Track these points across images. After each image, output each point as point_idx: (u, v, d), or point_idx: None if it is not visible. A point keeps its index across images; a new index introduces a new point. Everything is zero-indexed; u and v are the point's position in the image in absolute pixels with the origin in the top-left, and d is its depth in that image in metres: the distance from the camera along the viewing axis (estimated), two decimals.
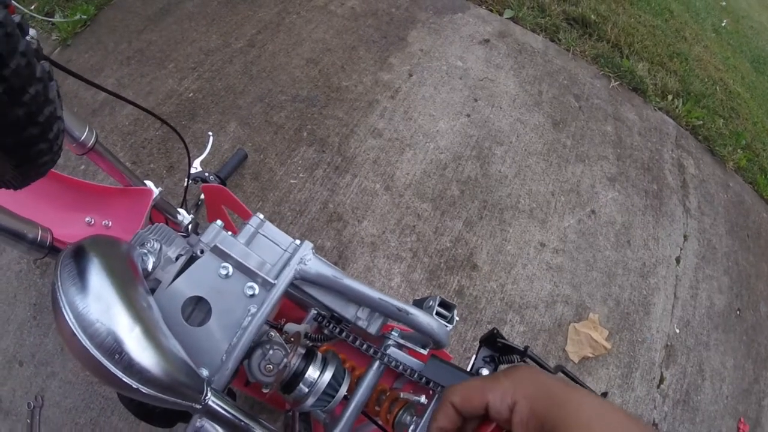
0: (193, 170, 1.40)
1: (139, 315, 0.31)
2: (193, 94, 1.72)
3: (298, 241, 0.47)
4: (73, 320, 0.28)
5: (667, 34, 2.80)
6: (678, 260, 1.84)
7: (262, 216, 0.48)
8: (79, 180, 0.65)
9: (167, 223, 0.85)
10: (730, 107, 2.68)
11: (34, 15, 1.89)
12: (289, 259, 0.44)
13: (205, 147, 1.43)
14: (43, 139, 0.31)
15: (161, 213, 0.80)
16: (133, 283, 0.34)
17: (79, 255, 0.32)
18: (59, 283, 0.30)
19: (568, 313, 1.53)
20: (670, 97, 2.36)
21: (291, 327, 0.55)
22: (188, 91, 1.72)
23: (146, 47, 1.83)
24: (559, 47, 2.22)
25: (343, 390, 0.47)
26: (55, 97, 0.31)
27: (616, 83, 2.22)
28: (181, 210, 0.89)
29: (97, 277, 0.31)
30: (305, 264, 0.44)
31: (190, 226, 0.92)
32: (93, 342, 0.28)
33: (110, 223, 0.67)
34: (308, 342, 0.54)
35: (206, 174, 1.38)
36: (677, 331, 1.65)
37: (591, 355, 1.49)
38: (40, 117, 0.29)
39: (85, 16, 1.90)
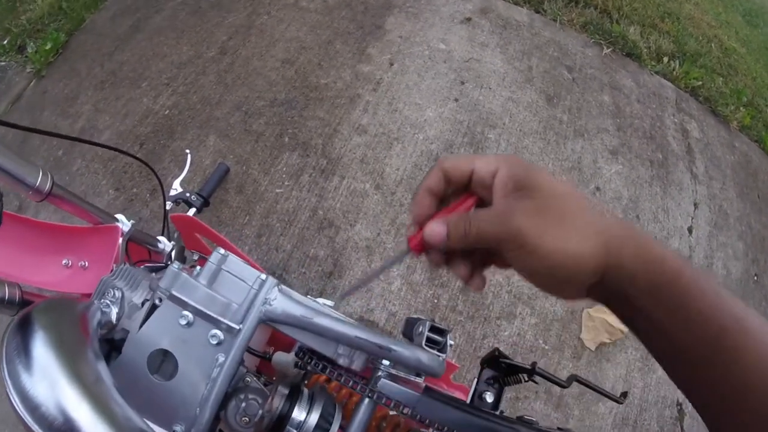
0: (173, 192, 1.35)
1: (88, 391, 0.29)
2: (169, 111, 1.66)
3: (263, 276, 0.44)
4: (20, 404, 0.27)
5: None
6: (690, 230, 1.77)
7: (223, 250, 0.44)
8: (50, 223, 0.65)
9: (150, 255, 0.81)
10: (727, 64, 2.60)
11: None
12: (255, 298, 0.42)
13: (184, 166, 1.37)
14: None
15: (140, 245, 0.76)
16: (82, 354, 0.32)
17: (24, 328, 0.31)
18: (4, 363, 0.28)
19: None
20: (665, 59, 2.28)
21: (279, 357, 0.53)
22: (164, 109, 1.66)
23: (119, 68, 1.79)
24: (545, 18, 2.13)
25: (335, 426, 0.44)
26: None
27: (609, 50, 2.13)
28: (161, 238, 0.85)
29: (42, 352, 0.29)
30: (270, 305, 0.42)
31: (173, 254, 0.88)
32: (42, 426, 0.27)
33: (86, 263, 0.66)
34: (298, 371, 0.50)
35: (187, 194, 1.32)
36: None
37: (608, 341, 1.43)
38: None
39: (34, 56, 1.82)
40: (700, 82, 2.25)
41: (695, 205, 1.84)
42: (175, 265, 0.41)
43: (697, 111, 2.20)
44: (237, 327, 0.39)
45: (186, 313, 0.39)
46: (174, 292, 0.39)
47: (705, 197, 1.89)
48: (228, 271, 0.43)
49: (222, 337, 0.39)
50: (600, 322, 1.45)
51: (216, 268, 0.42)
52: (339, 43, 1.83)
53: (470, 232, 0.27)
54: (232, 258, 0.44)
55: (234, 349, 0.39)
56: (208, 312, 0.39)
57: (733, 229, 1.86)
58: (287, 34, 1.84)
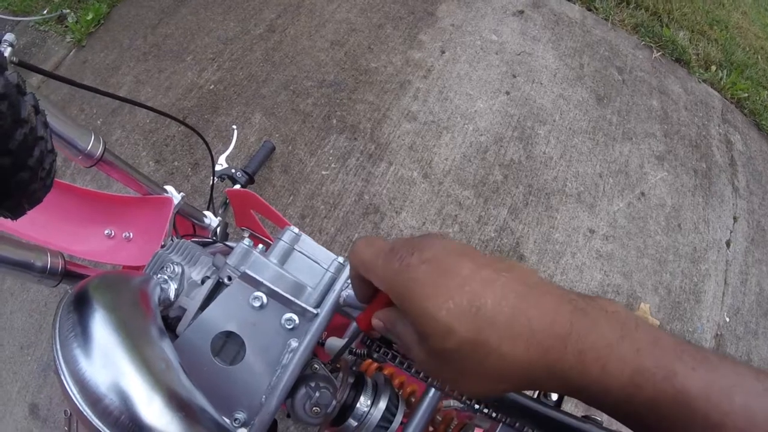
0: (218, 167, 1.34)
1: (158, 381, 0.25)
2: (214, 86, 1.64)
3: (341, 259, 0.41)
4: (78, 395, 0.23)
5: (705, 0, 2.63)
6: (728, 244, 1.74)
7: (296, 229, 0.42)
8: (96, 191, 0.60)
9: (194, 229, 0.79)
10: None
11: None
12: (332, 281, 0.39)
13: (230, 142, 1.36)
14: (34, 180, 0.28)
15: (187, 219, 0.74)
16: (146, 334, 0.28)
17: (81, 305, 0.27)
18: (58, 345, 0.25)
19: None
20: (713, 68, 2.22)
21: (333, 342, 0.50)
22: (209, 83, 1.65)
23: (162, 41, 1.76)
24: (597, 17, 2.08)
25: (399, 419, 0.42)
26: (44, 132, 0.27)
27: (659, 54, 2.08)
28: (207, 213, 0.83)
29: (103, 335, 0.25)
30: (350, 289, 0.39)
31: (218, 230, 0.86)
32: (105, 421, 0.23)
33: (131, 234, 0.62)
34: (353, 357, 0.48)
35: (233, 171, 1.31)
36: (727, 319, 1.56)
37: None
38: (29, 161, 0.26)
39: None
40: (746, 95, 2.20)
41: (735, 218, 1.81)
42: (246, 242, 0.39)
43: (742, 123, 2.14)
44: (314, 311, 0.36)
45: (259, 294, 0.36)
46: (248, 271, 0.36)
47: (744, 211, 1.85)
48: (301, 252, 0.40)
49: (297, 321, 0.36)
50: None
51: (288, 248, 0.40)
52: (390, 27, 1.80)
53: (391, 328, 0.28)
54: (306, 238, 0.41)
55: (309, 335, 0.37)
56: (283, 293, 0.36)
57: None
58: (337, 15, 1.81)
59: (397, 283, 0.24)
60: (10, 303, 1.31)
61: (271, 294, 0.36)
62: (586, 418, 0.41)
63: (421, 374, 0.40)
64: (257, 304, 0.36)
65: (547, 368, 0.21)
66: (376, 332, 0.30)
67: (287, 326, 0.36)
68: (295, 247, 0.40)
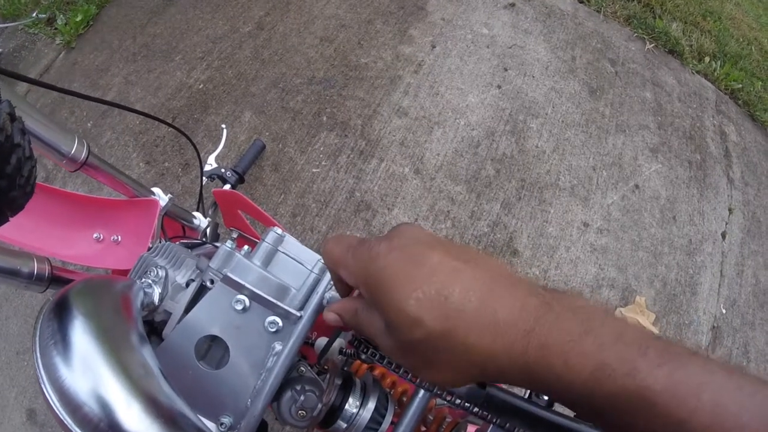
0: (208, 167, 1.33)
1: (137, 387, 0.26)
2: (204, 85, 1.63)
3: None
4: (57, 403, 0.23)
5: None
6: (724, 235, 1.73)
7: (280, 230, 0.41)
8: (83, 194, 0.59)
9: (183, 230, 0.78)
10: (767, 69, 2.53)
11: None
12: (316, 282, 0.38)
13: (220, 141, 1.35)
14: (13, 187, 0.27)
15: (175, 220, 0.73)
16: (127, 341, 0.28)
17: (60, 312, 0.27)
18: (38, 353, 0.25)
19: (614, 297, 1.44)
20: (707, 59, 2.21)
21: (323, 342, 0.49)
22: (198, 83, 1.63)
23: (151, 41, 1.76)
24: (589, 8, 2.07)
25: (388, 420, 0.42)
26: (20, 139, 0.27)
27: (651, 45, 2.07)
28: (196, 214, 0.82)
29: (83, 342, 0.25)
30: (334, 290, 0.38)
31: (208, 231, 0.85)
32: (84, 429, 0.23)
33: (120, 237, 0.62)
34: (342, 357, 0.47)
35: (222, 170, 1.30)
36: (724, 311, 1.56)
37: None
38: (7, 168, 0.26)
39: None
40: (740, 85, 2.19)
41: (730, 210, 1.80)
42: (228, 244, 0.38)
43: (736, 114, 2.14)
44: (297, 314, 0.36)
45: (241, 297, 0.36)
46: (229, 274, 0.35)
47: (740, 203, 1.85)
48: (285, 253, 0.40)
49: (280, 324, 0.36)
50: (632, 322, 1.43)
51: (271, 249, 0.39)
52: (379, 22, 1.79)
53: (351, 320, 0.28)
54: (290, 239, 0.41)
55: (293, 338, 0.36)
56: (266, 296, 0.36)
57: (765, 237, 1.82)
58: (326, 12, 1.80)
59: (366, 273, 0.24)
60: (5, 308, 1.30)
61: (254, 297, 0.36)
62: (577, 418, 0.41)
63: (410, 375, 0.39)
64: (240, 307, 0.36)
65: (511, 361, 0.21)
66: (334, 327, 0.29)
67: (271, 329, 0.36)
68: (279, 248, 0.40)
